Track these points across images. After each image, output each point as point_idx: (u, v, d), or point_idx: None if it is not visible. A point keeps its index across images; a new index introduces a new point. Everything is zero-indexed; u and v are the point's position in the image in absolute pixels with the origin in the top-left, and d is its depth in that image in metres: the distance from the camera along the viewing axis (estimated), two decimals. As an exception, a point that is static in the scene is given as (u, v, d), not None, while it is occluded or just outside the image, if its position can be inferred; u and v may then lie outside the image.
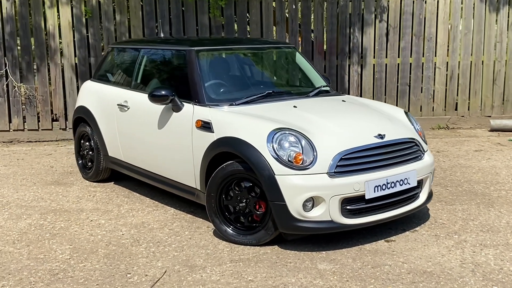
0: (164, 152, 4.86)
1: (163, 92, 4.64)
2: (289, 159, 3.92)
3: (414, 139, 4.44)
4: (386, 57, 8.87)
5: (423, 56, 8.95)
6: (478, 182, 5.87)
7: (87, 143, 6.07)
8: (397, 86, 9.03)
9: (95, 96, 5.89)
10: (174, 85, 4.97)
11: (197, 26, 8.51)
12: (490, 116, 9.14)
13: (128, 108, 5.28)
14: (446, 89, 9.11)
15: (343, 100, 4.95)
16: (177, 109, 4.69)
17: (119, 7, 8.33)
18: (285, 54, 5.44)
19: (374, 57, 8.86)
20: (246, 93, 4.80)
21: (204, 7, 8.42)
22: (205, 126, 4.40)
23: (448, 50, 9.04)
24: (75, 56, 8.33)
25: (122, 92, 5.45)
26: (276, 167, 3.90)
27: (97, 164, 5.90)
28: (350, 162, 4.00)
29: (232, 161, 4.17)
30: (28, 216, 4.99)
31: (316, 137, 4.02)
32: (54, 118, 8.48)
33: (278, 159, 3.91)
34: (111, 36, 8.33)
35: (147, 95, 5.05)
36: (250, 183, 4.13)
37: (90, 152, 6.04)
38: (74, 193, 5.67)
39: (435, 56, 8.99)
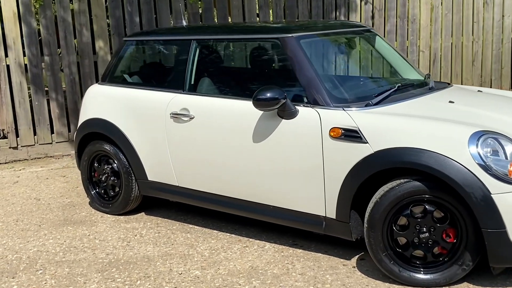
0: (266, 172, 3.71)
1: (268, 95, 3.49)
2: (503, 171, 3.00)
3: None
4: (373, 41, 8.18)
5: (407, 40, 8.41)
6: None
7: (107, 166, 4.66)
8: (384, 73, 8.41)
9: (119, 104, 4.51)
10: (262, 84, 3.84)
11: (171, 14, 7.21)
12: (472, 99, 8.85)
13: (192, 118, 4.02)
14: (430, 73, 8.65)
15: (478, 91, 4.13)
16: (290, 115, 3.56)
17: (77, -7, 6.78)
18: (373, 38, 4.45)
19: (361, 43, 8.14)
20: (368, 88, 3.83)
21: (178, -9, 7.14)
22: (349, 135, 3.33)
23: (430, 32, 8.58)
24: (24, 55, 6.65)
25: (174, 97, 4.16)
26: (490, 183, 2.96)
27: (127, 191, 4.54)
28: (562, 168, 3.17)
29: (407, 179, 3.16)
30: (84, 277, 3.58)
31: (520, 140, 3.14)
32: (2, 135, 6.74)
33: (491, 172, 2.98)
34: (68, 29, 6.75)
35: (227, 100, 3.91)
36: (434, 206, 3.16)
37: (113, 178, 4.65)
38: (109, 234, 4.29)
39: (419, 39, 8.49)
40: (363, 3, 8.08)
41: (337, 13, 7.98)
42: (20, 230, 4.46)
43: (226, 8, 7.46)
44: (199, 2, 7.24)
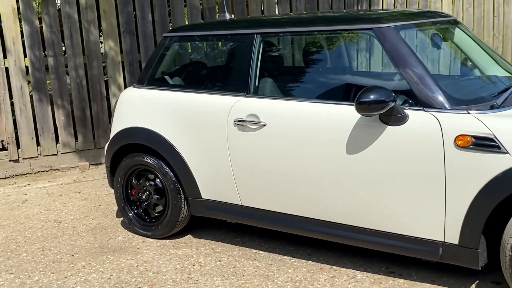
0: (364, 189, 3.11)
1: (373, 97, 2.90)
2: None
3: None
4: (395, 38, 7.68)
5: (429, 35, 7.94)
6: None
7: (149, 183, 4.00)
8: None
9: (165, 110, 3.84)
10: (351, 84, 3.26)
11: (186, 9, 6.56)
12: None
13: (263, 126, 3.39)
14: (452, 71, 8.22)
15: None
16: (398, 120, 2.97)
17: (83, -14, 6.06)
18: (462, 29, 3.87)
19: (383, 39, 7.62)
20: (480, 87, 3.27)
21: (194, -16, 6.49)
22: (482, 144, 2.76)
23: (452, 27, 8.13)
24: (25, 56, 5.89)
25: (237, 101, 3.52)
26: None
27: (175, 212, 3.89)
28: None
29: None
30: (154, 324, 2.93)
31: None
32: (1, 146, 5.97)
33: None
34: (74, 27, 6.02)
35: (308, 104, 3.30)
36: None
37: (156, 196, 3.98)
38: (161, 264, 3.62)
39: (441, 34, 8.02)
40: (385, -4, 7.58)
41: (359, 7, 7.45)
42: (51, 262, 3.76)
43: (244, 3, 6.84)
44: (216, -4, 6.61)
